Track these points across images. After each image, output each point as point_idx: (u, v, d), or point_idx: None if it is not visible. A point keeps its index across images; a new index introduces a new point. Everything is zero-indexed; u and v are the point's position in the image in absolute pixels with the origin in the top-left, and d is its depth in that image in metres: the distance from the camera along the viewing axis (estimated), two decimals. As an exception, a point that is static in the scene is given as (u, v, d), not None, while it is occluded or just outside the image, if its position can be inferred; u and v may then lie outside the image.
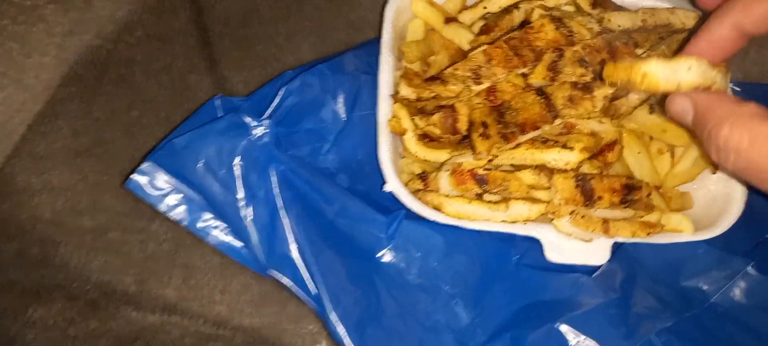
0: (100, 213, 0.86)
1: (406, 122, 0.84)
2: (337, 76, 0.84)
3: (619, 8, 0.92)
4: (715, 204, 0.86)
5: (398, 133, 0.84)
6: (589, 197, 0.78)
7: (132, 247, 0.85)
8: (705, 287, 0.83)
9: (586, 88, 0.81)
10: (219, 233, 0.77)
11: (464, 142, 0.84)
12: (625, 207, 0.80)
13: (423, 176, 0.83)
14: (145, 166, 0.73)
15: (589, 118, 0.82)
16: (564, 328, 0.79)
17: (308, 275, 0.77)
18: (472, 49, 0.86)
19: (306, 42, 1.00)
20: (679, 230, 0.83)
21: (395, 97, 0.85)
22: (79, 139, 0.87)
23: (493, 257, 0.82)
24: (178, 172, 0.75)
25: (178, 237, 0.85)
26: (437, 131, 0.86)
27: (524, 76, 0.84)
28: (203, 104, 0.82)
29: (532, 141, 0.80)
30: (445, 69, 0.85)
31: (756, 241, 0.86)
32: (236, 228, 0.77)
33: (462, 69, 0.84)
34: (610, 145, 0.83)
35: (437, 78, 0.86)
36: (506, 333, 0.79)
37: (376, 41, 0.88)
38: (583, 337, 0.78)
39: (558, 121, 0.80)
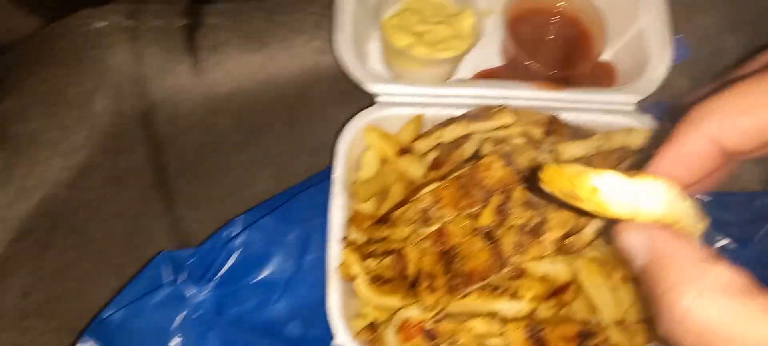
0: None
1: (355, 267, 0.82)
2: (284, 226, 0.83)
3: (577, 131, 0.91)
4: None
5: (348, 280, 0.83)
6: (542, 348, 0.76)
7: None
8: None
9: (535, 232, 0.78)
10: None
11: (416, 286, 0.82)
12: (584, 352, 0.77)
13: (373, 327, 0.81)
14: (81, 343, 0.72)
15: (542, 259, 0.80)
16: None
17: None
18: (422, 185, 0.85)
19: (265, 172, 0.99)
20: (643, 375, 0.80)
21: (345, 241, 0.84)
22: (28, 299, 0.87)
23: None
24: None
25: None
26: (390, 273, 0.84)
27: (474, 215, 0.82)
28: (149, 262, 0.81)
29: (482, 288, 0.78)
30: (394, 210, 0.83)
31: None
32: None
33: (411, 211, 0.82)
34: (565, 287, 0.80)
35: (387, 220, 0.84)
36: None
37: (330, 174, 0.87)
38: None
39: (506, 269, 0.78)
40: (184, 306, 0.74)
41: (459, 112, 0.91)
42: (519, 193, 0.79)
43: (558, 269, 0.80)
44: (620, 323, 0.82)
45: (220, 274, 0.78)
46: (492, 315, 0.78)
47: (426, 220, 0.82)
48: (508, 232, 0.79)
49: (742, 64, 0.60)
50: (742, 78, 0.45)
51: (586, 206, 0.44)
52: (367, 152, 0.93)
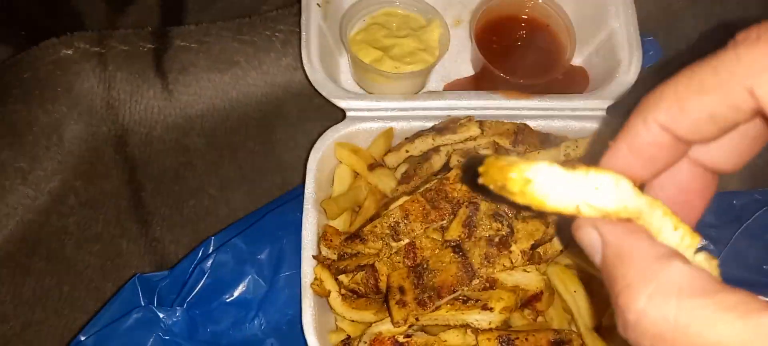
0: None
1: (328, 284, 0.83)
2: (256, 245, 0.84)
3: (547, 139, 0.91)
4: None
5: (322, 296, 0.83)
6: (515, 358, 0.76)
7: None
8: None
9: (503, 244, 0.79)
10: None
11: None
12: (558, 360, 0.77)
13: (347, 343, 0.81)
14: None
15: (513, 268, 0.80)
16: None
17: None
18: (391, 200, 0.85)
19: (239, 190, 1.00)
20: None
21: (318, 257, 0.84)
22: (8, 325, 0.87)
23: None
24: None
25: None
26: (363, 288, 0.85)
27: (443, 229, 0.82)
28: (124, 285, 0.82)
29: (453, 301, 0.78)
30: (365, 226, 0.84)
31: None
32: None
33: (380, 226, 0.83)
34: (537, 296, 0.80)
35: (357, 236, 0.85)
36: None
37: (300, 192, 0.87)
38: None
39: (476, 281, 0.78)
40: (156, 329, 0.75)
41: (429, 124, 0.92)
42: (486, 205, 0.80)
43: (529, 279, 0.80)
44: (596, 329, 0.82)
45: (192, 295, 0.78)
46: (465, 327, 0.79)
47: (396, 234, 0.83)
48: (477, 244, 0.79)
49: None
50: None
51: (519, 199, 0.39)
52: (340, 167, 0.93)
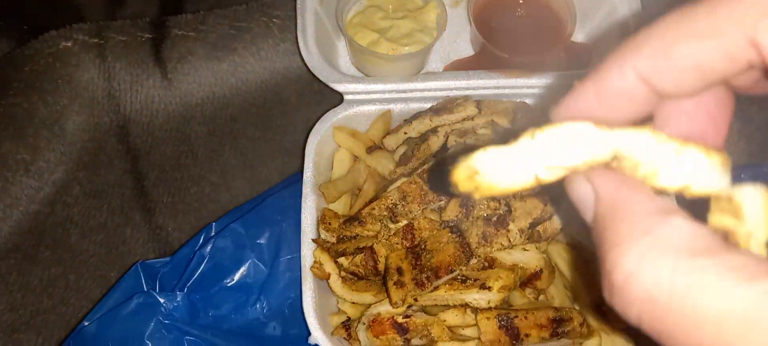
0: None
1: (328, 266, 0.83)
2: (254, 231, 0.84)
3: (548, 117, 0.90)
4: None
5: (322, 278, 0.83)
6: (515, 337, 0.75)
7: None
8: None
9: (501, 222, 0.78)
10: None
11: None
12: (560, 339, 0.77)
13: (347, 325, 0.81)
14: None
15: (512, 247, 0.79)
16: None
17: None
18: (389, 182, 0.85)
19: (240, 177, 1.01)
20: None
21: (317, 241, 0.84)
22: (16, 313, 0.89)
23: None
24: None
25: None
26: (362, 270, 0.85)
27: (441, 209, 0.82)
28: (125, 273, 0.83)
29: (452, 281, 0.78)
30: (363, 209, 0.84)
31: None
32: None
33: (378, 208, 0.82)
34: (537, 274, 0.79)
35: (356, 219, 0.85)
36: None
37: (301, 177, 0.87)
38: None
39: (474, 261, 0.78)
40: (157, 313, 0.75)
41: (427, 105, 0.91)
42: (484, 184, 0.79)
43: (529, 257, 0.79)
44: (598, 306, 0.81)
45: (192, 280, 0.79)
46: (464, 307, 0.78)
47: (394, 216, 0.82)
48: (474, 224, 0.79)
49: None
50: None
51: (478, 195, 0.36)
52: (339, 151, 0.93)
